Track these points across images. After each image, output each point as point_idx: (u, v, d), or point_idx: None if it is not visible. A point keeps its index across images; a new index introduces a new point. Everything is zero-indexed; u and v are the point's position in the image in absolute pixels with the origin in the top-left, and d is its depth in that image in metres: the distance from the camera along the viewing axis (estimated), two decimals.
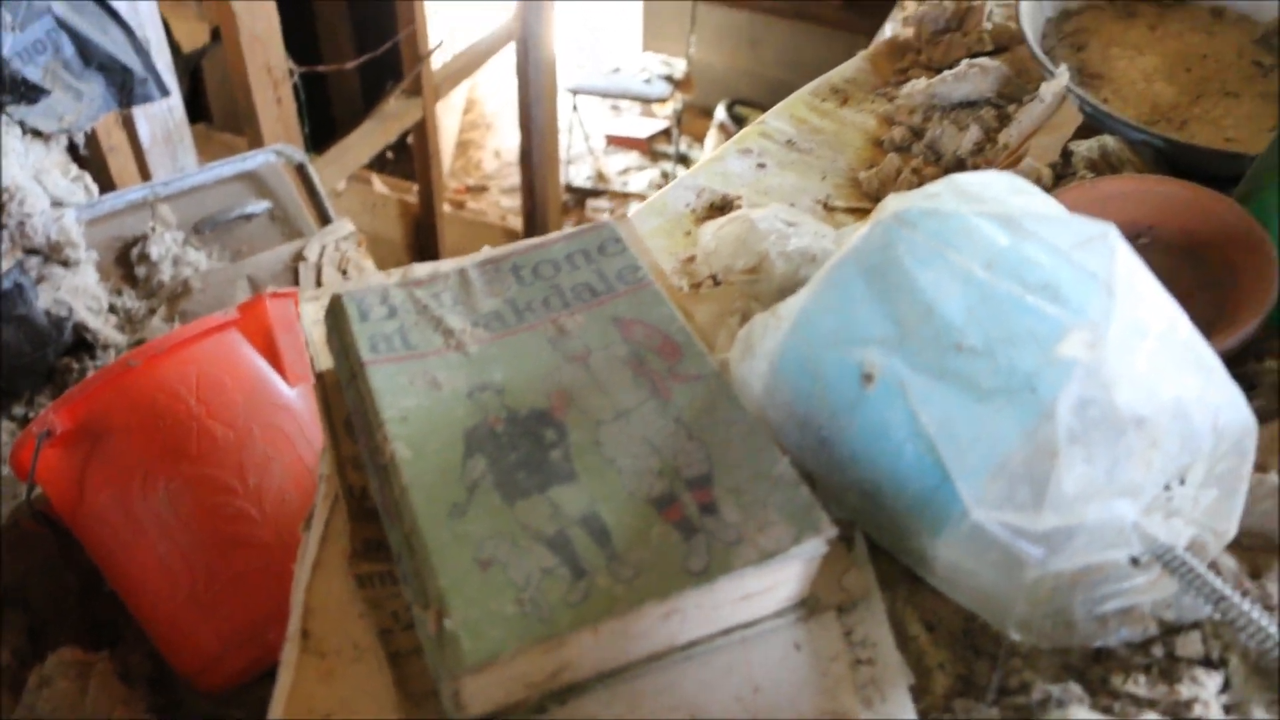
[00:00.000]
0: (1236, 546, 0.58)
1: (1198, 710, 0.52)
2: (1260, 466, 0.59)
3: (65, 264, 1.60)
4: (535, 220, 4.01)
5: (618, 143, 5.39)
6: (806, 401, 0.55)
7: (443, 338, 0.60)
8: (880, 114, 0.99)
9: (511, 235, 4.19)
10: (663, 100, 4.97)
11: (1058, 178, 0.85)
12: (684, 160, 5.13)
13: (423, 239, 3.54)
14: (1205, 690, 0.53)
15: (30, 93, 1.64)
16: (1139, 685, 0.53)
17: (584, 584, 0.48)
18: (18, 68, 1.58)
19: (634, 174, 5.22)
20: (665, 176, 5.09)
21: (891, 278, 0.52)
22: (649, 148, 5.33)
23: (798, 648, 0.53)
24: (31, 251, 1.57)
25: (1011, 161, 0.86)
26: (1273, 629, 0.50)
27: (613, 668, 0.51)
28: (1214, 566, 0.57)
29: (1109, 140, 0.86)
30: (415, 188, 3.54)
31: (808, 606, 0.54)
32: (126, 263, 1.72)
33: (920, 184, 0.88)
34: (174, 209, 1.76)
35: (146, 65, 1.79)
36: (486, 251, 0.67)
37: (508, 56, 3.61)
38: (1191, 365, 0.50)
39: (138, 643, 1.26)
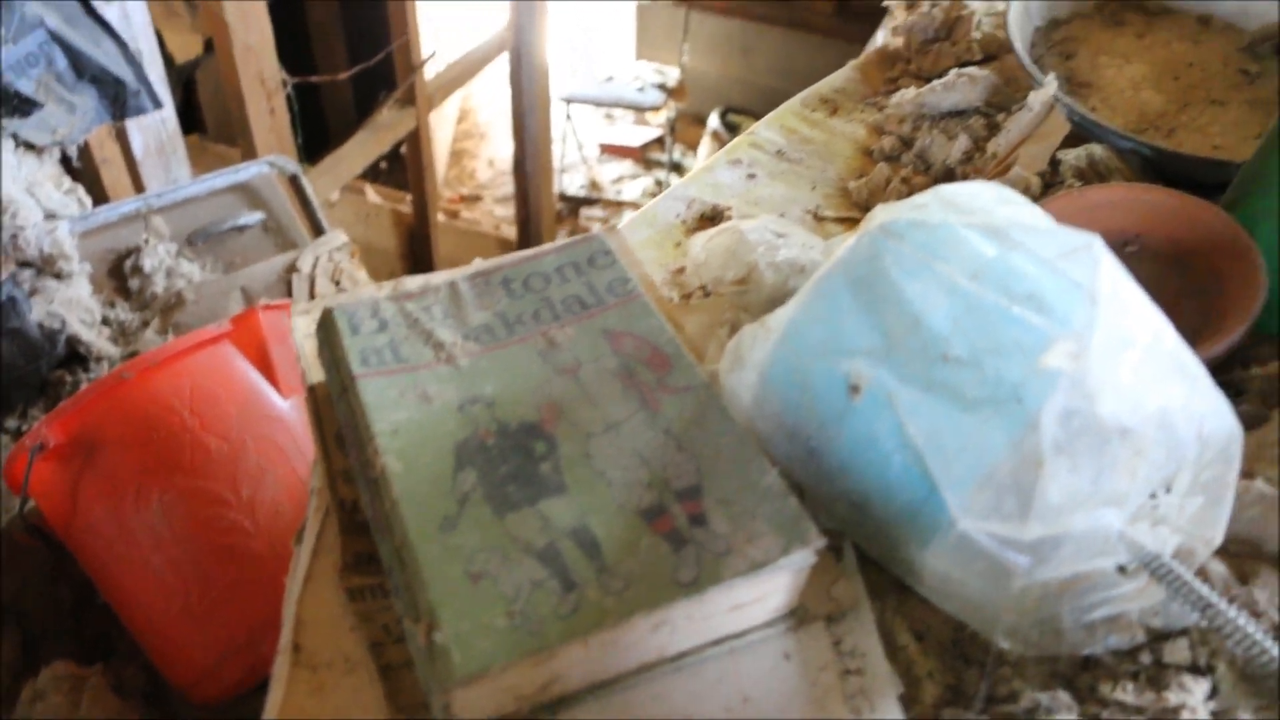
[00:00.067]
0: (1224, 553, 0.58)
1: (1185, 716, 0.52)
2: (1247, 473, 0.60)
3: (58, 276, 1.60)
4: (529, 229, 4.01)
5: (611, 151, 5.40)
6: (795, 412, 0.55)
7: (433, 351, 0.61)
8: (870, 123, 0.99)
9: (505, 245, 4.20)
10: (656, 108, 4.99)
11: (1046, 186, 0.85)
12: (677, 168, 5.14)
13: (416, 249, 3.54)
14: (1193, 697, 0.53)
15: (23, 106, 1.65)
16: (1127, 692, 0.53)
17: (574, 596, 0.49)
18: (10, 81, 1.58)
19: (628, 182, 5.23)
20: (659, 185, 5.10)
21: (878, 289, 0.52)
22: (642, 156, 5.34)
23: (787, 658, 0.54)
24: (24, 264, 1.57)
25: (1000, 170, 0.87)
26: (1259, 635, 0.51)
27: (603, 679, 0.51)
28: (1202, 573, 0.57)
29: (1097, 149, 0.86)
30: (409, 197, 3.54)
31: (797, 617, 0.55)
32: (120, 275, 1.72)
33: (910, 193, 0.88)
34: (167, 221, 1.76)
35: (139, 77, 1.80)
36: (477, 264, 0.68)
37: (501, 66, 3.62)
38: (1176, 374, 0.51)
39: (132, 656, 1.26)
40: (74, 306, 1.59)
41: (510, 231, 4.38)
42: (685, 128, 5.29)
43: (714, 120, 5.01)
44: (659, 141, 5.33)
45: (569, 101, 4.97)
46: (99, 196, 1.91)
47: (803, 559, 0.50)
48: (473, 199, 5.10)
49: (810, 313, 0.54)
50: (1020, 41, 0.95)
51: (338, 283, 1.75)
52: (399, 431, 0.56)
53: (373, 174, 4.22)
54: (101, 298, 1.66)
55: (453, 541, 0.51)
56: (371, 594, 0.57)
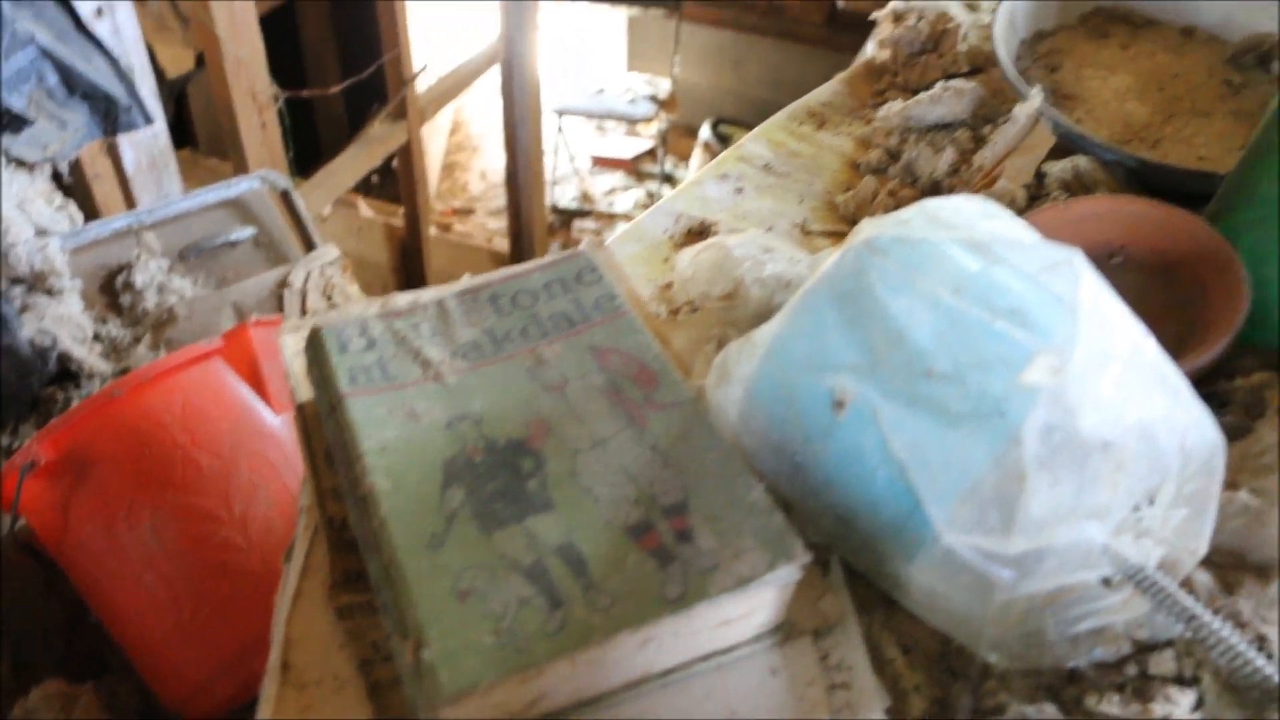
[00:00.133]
0: (1208, 564, 0.58)
1: None
2: (1230, 484, 0.60)
3: (49, 293, 1.60)
4: (521, 242, 4.02)
5: (603, 163, 5.41)
6: (781, 427, 0.55)
7: (421, 368, 0.61)
8: (857, 137, 0.99)
9: (498, 257, 4.21)
10: (647, 120, 5.00)
11: (1032, 199, 0.86)
12: (669, 180, 5.15)
13: (409, 262, 3.55)
14: (1178, 708, 0.53)
15: (14, 122, 1.65)
16: (1113, 704, 0.53)
17: (561, 614, 0.49)
18: (1, 97, 1.59)
19: (619, 194, 5.24)
20: (651, 196, 5.12)
21: (862, 305, 0.53)
22: (634, 168, 5.35)
23: (774, 673, 0.54)
24: (15, 281, 1.57)
25: (986, 183, 0.87)
26: (1243, 646, 0.51)
27: (590, 696, 0.52)
28: (1187, 584, 0.57)
29: (1082, 161, 0.86)
30: (401, 211, 3.55)
31: (783, 632, 0.55)
32: (111, 291, 1.72)
33: (897, 206, 0.88)
34: (159, 236, 1.77)
35: (130, 93, 1.80)
36: (465, 281, 0.68)
37: (493, 78, 3.63)
38: (1158, 387, 0.51)
39: (124, 673, 1.25)
40: (65, 323, 1.59)
41: (503, 244, 4.39)
42: (677, 139, 5.30)
43: (705, 131, 5.03)
44: (651, 153, 5.34)
45: (561, 114, 4.98)
46: (91, 212, 1.91)
47: (788, 574, 0.51)
48: (465, 212, 5.11)
49: (795, 328, 0.55)
50: (1005, 54, 0.95)
51: (330, 297, 1.75)
52: (387, 449, 0.56)
53: (365, 187, 4.22)
54: (93, 314, 1.66)
55: (440, 559, 0.51)
56: (360, 612, 0.58)
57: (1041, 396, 0.47)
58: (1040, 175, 0.87)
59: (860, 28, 1.12)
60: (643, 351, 0.61)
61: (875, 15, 1.11)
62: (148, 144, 1.99)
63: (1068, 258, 0.52)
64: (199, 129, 3.75)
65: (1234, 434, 0.65)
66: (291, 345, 0.68)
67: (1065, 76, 1.00)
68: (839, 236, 0.87)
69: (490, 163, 5.33)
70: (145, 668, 1.21)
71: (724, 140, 4.84)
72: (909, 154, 0.93)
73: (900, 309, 0.52)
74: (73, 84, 1.73)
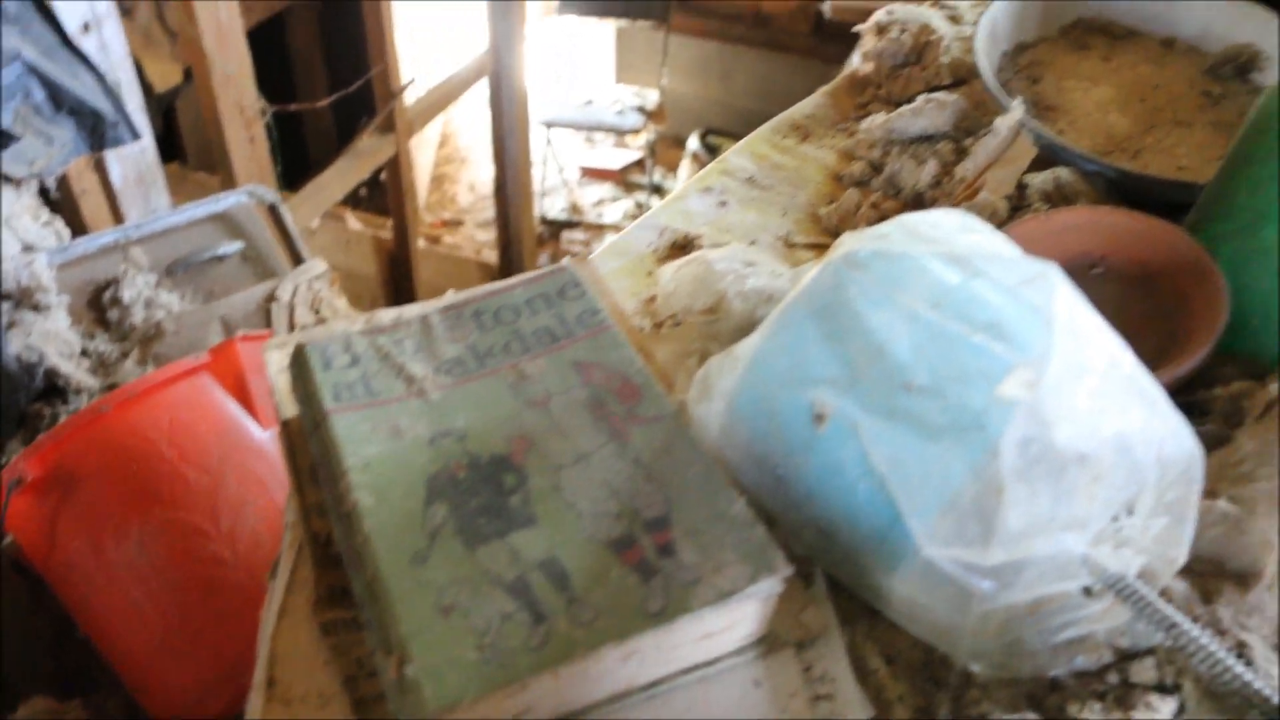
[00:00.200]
0: (1188, 572, 0.59)
1: None
2: (1210, 493, 0.60)
3: (36, 309, 1.60)
4: (510, 253, 4.03)
5: (592, 174, 5.42)
6: (763, 441, 0.56)
7: (405, 385, 0.61)
8: (840, 149, 1.00)
9: (487, 269, 4.21)
10: (636, 131, 5.01)
11: (1013, 210, 0.86)
12: (658, 190, 5.16)
13: (398, 275, 3.55)
14: (1160, 715, 0.54)
15: (1, 139, 1.65)
16: (1094, 712, 0.54)
17: (544, 628, 0.49)
18: None
19: (608, 205, 5.25)
20: (639, 207, 5.12)
21: (842, 319, 0.53)
22: (623, 179, 5.36)
23: (757, 685, 0.54)
24: (2, 297, 1.57)
25: (968, 195, 0.88)
26: (1222, 654, 0.52)
27: (574, 710, 0.52)
28: (1166, 593, 0.58)
29: (1063, 172, 0.87)
30: (390, 223, 3.55)
31: (767, 644, 0.55)
32: (98, 306, 1.72)
33: (880, 218, 0.89)
34: (146, 251, 1.77)
35: (117, 109, 1.80)
36: (449, 297, 0.68)
37: (481, 90, 3.63)
38: (1134, 398, 0.51)
39: (112, 689, 1.25)
40: (52, 339, 1.59)
41: (492, 256, 4.39)
42: (665, 150, 5.32)
43: (694, 142, 5.04)
44: (639, 164, 5.35)
45: (549, 125, 4.99)
46: (78, 227, 1.91)
47: (770, 587, 0.51)
48: (454, 224, 5.11)
49: (775, 343, 0.55)
50: (987, 66, 0.96)
51: (317, 311, 1.75)
52: (370, 466, 0.56)
53: (353, 200, 4.22)
54: (80, 329, 1.66)
55: (424, 575, 0.51)
56: (345, 628, 0.58)
57: (1018, 410, 0.48)
58: (1022, 186, 0.87)
59: (847, 38, 1.13)
60: (625, 366, 0.62)
61: (859, 28, 1.11)
62: (135, 159, 1.99)
63: (1043, 271, 0.52)
64: (187, 143, 3.75)
65: (1214, 443, 0.65)
66: (276, 362, 0.68)
67: (1047, 88, 1.00)
68: (822, 249, 0.87)
69: (479, 175, 5.33)
70: (133, 683, 1.21)
71: (712, 151, 4.86)
72: (892, 166, 0.93)
73: (879, 323, 0.52)
74: (59, 100, 1.73)
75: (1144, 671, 0.56)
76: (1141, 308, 0.76)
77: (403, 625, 0.49)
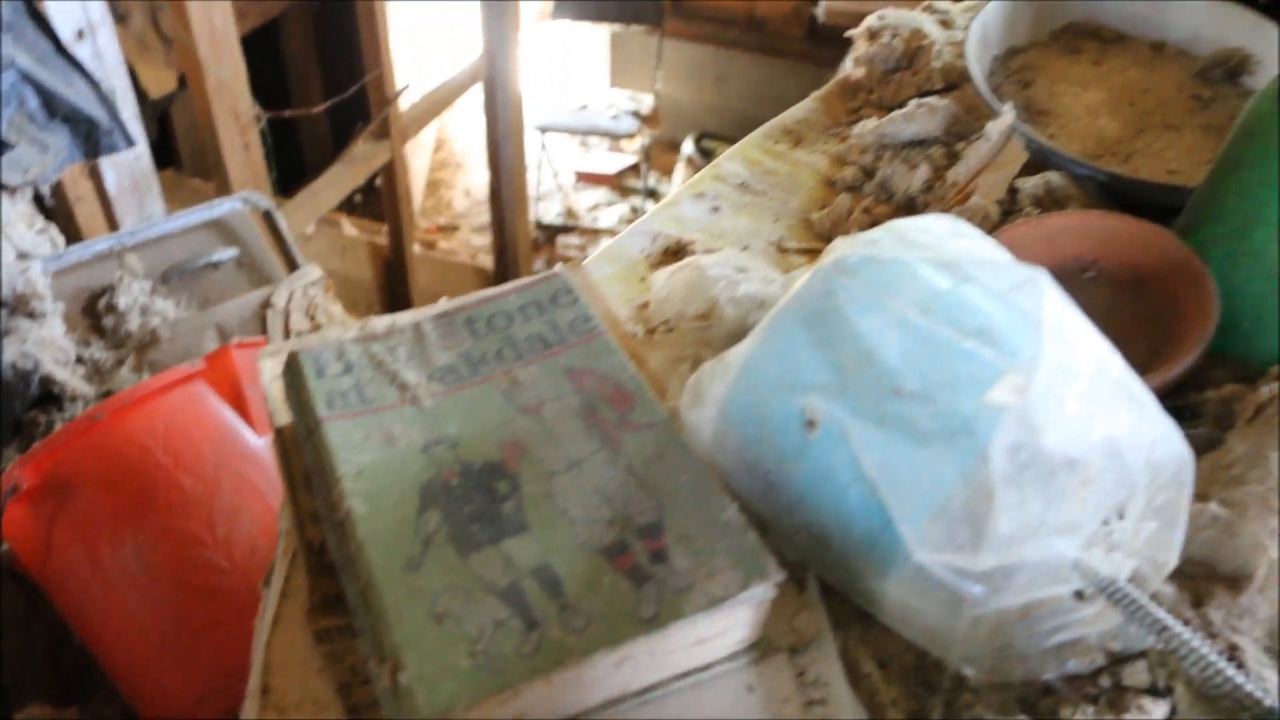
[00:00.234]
0: (1180, 575, 0.59)
1: None
2: (1201, 496, 0.61)
3: (31, 316, 1.60)
4: (506, 258, 4.03)
5: (587, 179, 5.42)
6: (754, 447, 0.56)
7: (398, 392, 0.61)
8: (832, 154, 1.00)
9: (482, 274, 4.21)
10: (631, 136, 5.01)
11: (1005, 214, 0.86)
12: (653, 195, 5.17)
13: (393, 280, 3.55)
14: (1152, 718, 0.54)
15: None
16: (1087, 715, 0.54)
17: (536, 635, 0.49)
18: None
19: (604, 209, 5.26)
20: (635, 211, 5.13)
21: (832, 325, 0.53)
22: (618, 183, 5.36)
23: (750, 690, 0.54)
24: None
25: (960, 199, 0.88)
26: (1214, 656, 0.52)
27: (568, 716, 0.52)
28: (1156, 596, 0.58)
29: (1054, 176, 0.87)
30: (385, 229, 3.55)
31: (760, 649, 0.55)
32: (94, 313, 1.72)
33: (872, 223, 0.89)
34: (141, 258, 1.77)
35: (112, 116, 1.80)
36: (442, 305, 0.68)
37: (476, 95, 3.64)
38: (1123, 403, 0.52)
39: (109, 697, 1.25)
40: (47, 346, 1.59)
41: (487, 261, 4.40)
42: (660, 154, 5.32)
43: (688, 146, 5.05)
44: (634, 168, 5.36)
45: (544, 130, 4.99)
46: (73, 234, 1.91)
47: (762, 593, 0.51)
48: (450, 229, 5.11)
49: (766, 349, 0.55)
50: (978, 70, 0.96)
51: (313, 317, 1.75)
52: (364, 473, 0.56)
53: (348, 206, 4.23)
54: (75, 337, 1.66)
55: (417, 582, 0.52)
56: (339, 635, 0.58)
57: (1007, 415, 0.48)
58: (1013, 191, 0.88)
59: (841, 42, 1.13)
60: (618, 372, 0.62)
61: (851, 33, 1.12)
62: (130, 166, 1.99)
63: (1033, 276, 0.52)
64: (183, 149, 3.75)
65: (1205, 446, 0.66)
66: (270, 369, 0.69)
67: (1038, 92, 1.01)
68: (814, 254, 0.87)
69: (474, 180, 5.34)
70: (130, 691, 1.21)
71: (707, 155, 4.86)
72: (884, 171, 0.94)
73: (869, 329, 0.52)
74: (54, 107, 1.73)
75: (1136, 674, 0.56)
76: (1133, 311, 0.76)
77: (396, 632, 0.49)
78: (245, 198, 1.89)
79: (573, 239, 5.11)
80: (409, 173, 3.44)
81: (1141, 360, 0.71)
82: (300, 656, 0.57)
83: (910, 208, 0.91)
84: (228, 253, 1.83)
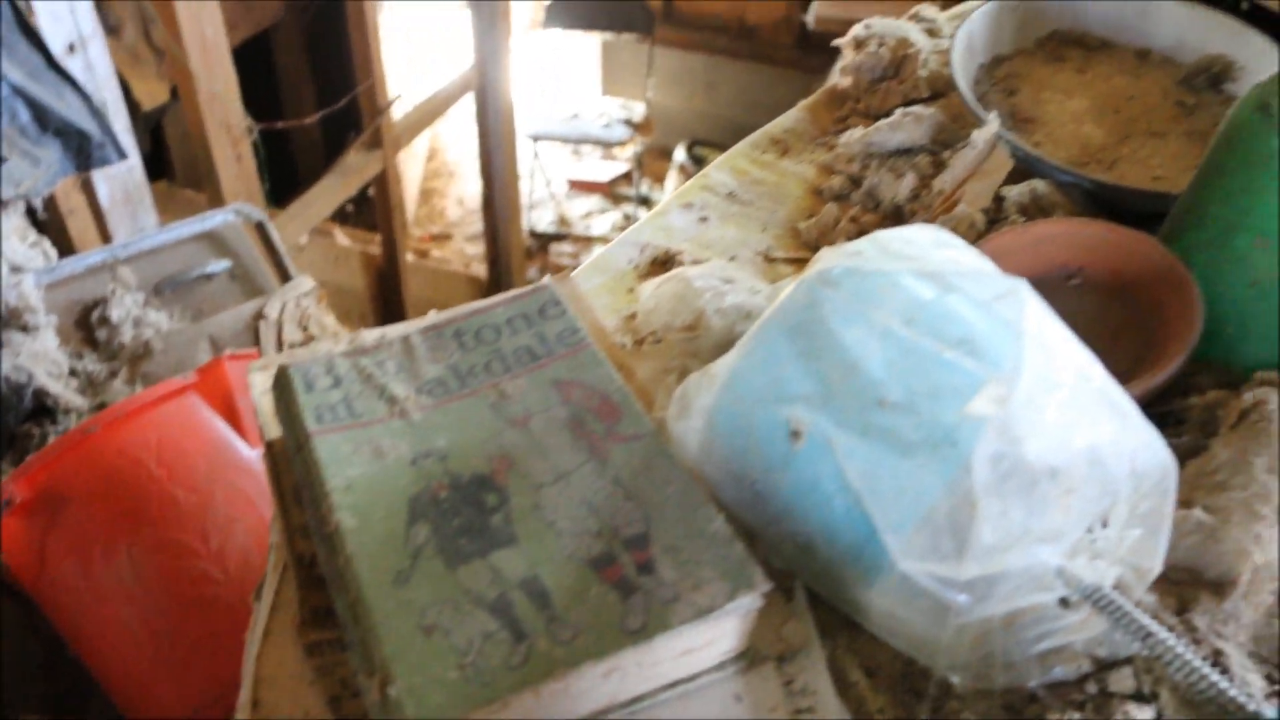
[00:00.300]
0: (1165, 581, 0.59)
1: None
2: (1185, 502, 0.61)
3: (25, 329, 1.60)
4: (499, 266, 4.03)
5: (579, 187, 5.43)
6: (741, 458, 0.56)
7: (387, 405, 0.62)
8: (820, 163, 1.01)
9: (476, 282, 4.21)
10: (623, 144, 5.02)
11: (991, 222, 0.87)
12: (645, 202, 5.18)
13: (387, 289, 3.55)
14: None
15: None
16: None
17: (524, 647, 0.50)
18: None
19: (596, 217, 5.26)
20: (627, 219, 5.13)
21: (816, 336, 0.54)
22: (611, 191, 5.37)
23: (738, 700, 0.54)
24: None
25: (946, 208, 0.88)
26: (1198, 662, 0.52)
27: None
28: (1143, 603, 0.58)
29: (1039, 184, 0.88)
30: (378, 238, 3.55)
31: (748, 658, 0.56)
32: (87, 326, 1.72)
33: (859, 232, 0.90)
34: (134, 270, 1.77)
35: (104, 129, 1.81)
36: (431, 317, 0.69)
37: (468, 104, 3.64)
38: (1105, 411, 0.52)
39: (104, 710, 1.25)
40: (41, 359, 1.59)
41: (480, 269, 4.40)
42: (652, 162, 5.33)
43: (680, 154, 5.06)
44: (627, 176, 5.36)
45: (536, 139, 5.00)
46: (65, 247, 1.91)
47: (749, 603, 0.52)
48: (443, 238, 5.11)
49: (751, 361, 0.56)
50: (963, 79, 0.97)
51: (305, 328, 1.76)
52: (353, 487, 0.57)
53: (341, 216, 4.23)
54: (69, 349, 1.66)
55: (406, 595, 0.52)
56: (329, 648, 0.58)
57: (988, 426, 0.48)
58: (999, 199, 0.88)
59: (830, 49, 1.13)
60: (605, 384, 0.62)
61: (837, 42, 1.12)
62: (122, 178, 2.00)
63: (1014, 287, 0.53)
64: (176, 160, 3.75)
65: (1190, 452, 0.66)
66: (260, 383, 0.69)
67: (1024, 100, 1.01)
68: (802, 263, 0.88)
69: (467, 189, 5.34)
70: (125, 704, 1.21)
71: (699, 162, 4.87)
72: (870, 180, 0.94)
73: (852, 340, 0.53)
74: (45, 121, 1.74)
75: (1122, 680, 0.56)
76: (1119, 318, 0.76)
77: (385, 646, 0.50)
78: (238, 209, 1.90)
79: (566, 247, 5.11)
80: (402, 182, 3.45)
81: (1127, 366, 0.72)
82: (291, 670, 0.58)
83: (897, 216, 0.91)
84: (220, 264, 1.83)
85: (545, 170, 5.25)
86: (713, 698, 0.54)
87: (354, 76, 3.01)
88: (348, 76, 3.08)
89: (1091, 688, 0.56)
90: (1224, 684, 0.52)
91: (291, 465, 0.63)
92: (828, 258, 0.58)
